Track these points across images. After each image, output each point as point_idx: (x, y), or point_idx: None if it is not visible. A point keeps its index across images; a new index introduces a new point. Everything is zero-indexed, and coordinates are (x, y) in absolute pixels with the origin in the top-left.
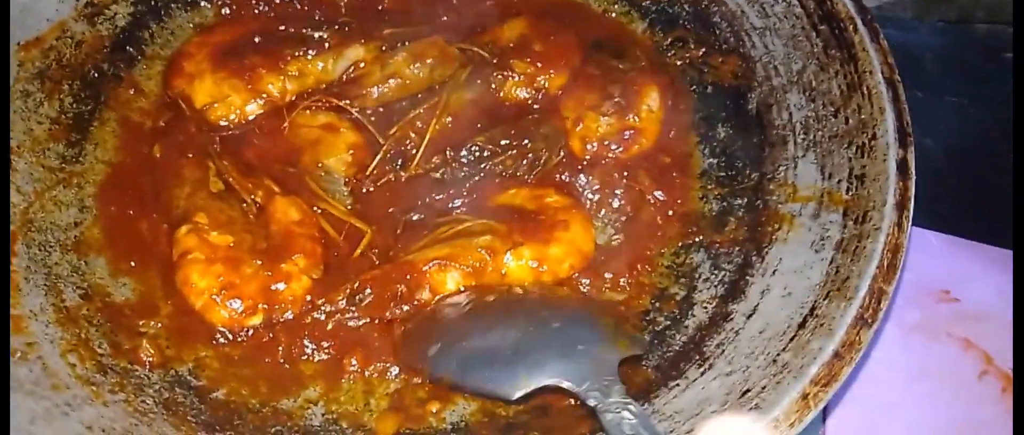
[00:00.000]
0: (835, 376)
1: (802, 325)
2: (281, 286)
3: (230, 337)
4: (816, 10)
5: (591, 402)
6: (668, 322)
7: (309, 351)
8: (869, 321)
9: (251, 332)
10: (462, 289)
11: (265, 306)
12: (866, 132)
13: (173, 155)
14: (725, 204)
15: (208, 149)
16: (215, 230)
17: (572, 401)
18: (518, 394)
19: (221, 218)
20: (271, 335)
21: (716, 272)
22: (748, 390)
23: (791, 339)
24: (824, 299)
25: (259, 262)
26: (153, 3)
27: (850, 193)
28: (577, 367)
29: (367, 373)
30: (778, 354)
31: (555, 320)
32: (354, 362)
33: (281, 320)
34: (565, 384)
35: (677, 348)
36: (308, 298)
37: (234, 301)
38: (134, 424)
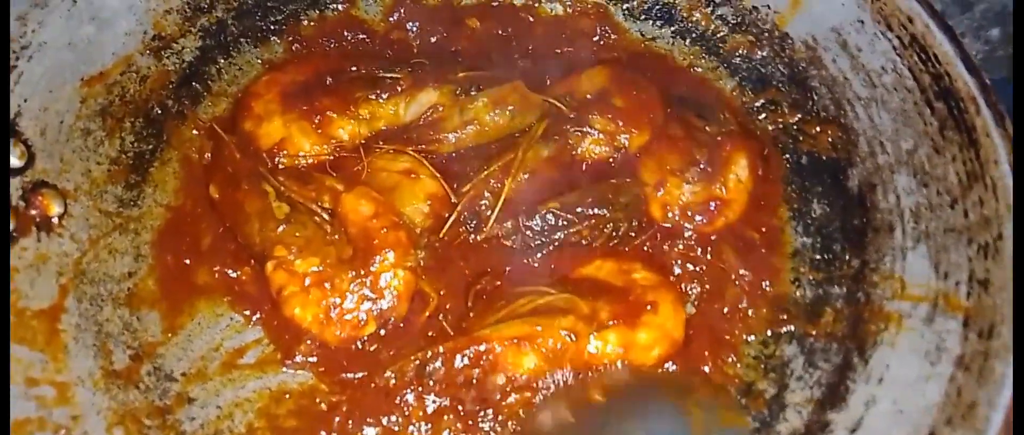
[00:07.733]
0: None
1: None
2: (383, 286)
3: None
4: (931, 85)
5: None
6: (757, 424)
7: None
8: None
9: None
10: (538, 385)
11: (374, 312)
12: (990, 230)
13: (229, 192)
14: (820, 291)
15: (258, 170)
16: (298, 258)
17: None
18: None
19: (299, 242)
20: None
21: (811, 370)
22: None
23: None
24: (945, 425)
25: (351, 273)
26: (222, 37)
27: (971, 299)
28: None
29: None
30: None
31: None
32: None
33: (392, 320)
34: None
35: None
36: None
37: (344, 317)
38: None
